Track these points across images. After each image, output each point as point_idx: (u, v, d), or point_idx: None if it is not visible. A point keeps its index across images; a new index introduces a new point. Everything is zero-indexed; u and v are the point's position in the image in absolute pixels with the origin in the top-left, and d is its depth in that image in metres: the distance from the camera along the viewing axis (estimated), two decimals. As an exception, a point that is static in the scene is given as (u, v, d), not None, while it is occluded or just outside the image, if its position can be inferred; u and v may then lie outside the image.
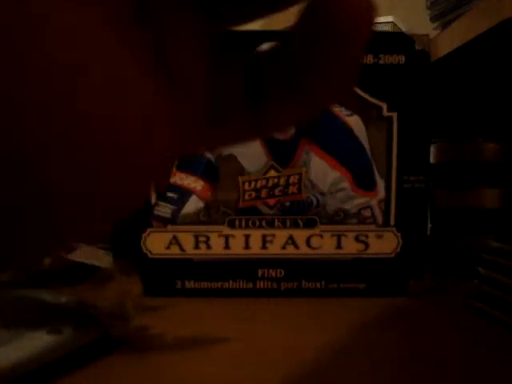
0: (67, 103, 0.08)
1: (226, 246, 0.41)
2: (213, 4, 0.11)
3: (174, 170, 0.41)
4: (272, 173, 0.41)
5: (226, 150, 0.40)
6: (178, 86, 0.10)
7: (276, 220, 0.41)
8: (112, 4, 0.09)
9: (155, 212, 0.41)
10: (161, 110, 0.10)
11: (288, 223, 0.41)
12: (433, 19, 0.62)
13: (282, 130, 0.13)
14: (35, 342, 0.26)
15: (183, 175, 0.41)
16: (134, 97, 0.09)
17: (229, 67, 0.12)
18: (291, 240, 0.41)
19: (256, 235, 0.41)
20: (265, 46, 0.12)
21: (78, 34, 0.08)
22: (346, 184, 0.41)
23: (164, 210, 0.41)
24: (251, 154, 0.41)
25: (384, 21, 0.87)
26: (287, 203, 0.41)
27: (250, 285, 0.42)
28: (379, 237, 0.41)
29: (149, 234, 0.41)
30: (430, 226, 0.51)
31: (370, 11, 0.10)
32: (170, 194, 0.41)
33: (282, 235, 0.41)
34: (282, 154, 0.41)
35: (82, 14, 0.08)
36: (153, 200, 0.41)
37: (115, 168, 0.09)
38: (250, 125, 0.12)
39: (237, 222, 0.41)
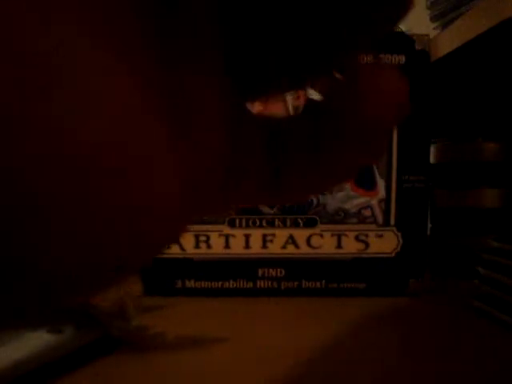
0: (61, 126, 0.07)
1: (227, 246, 0.41)
2: (241, 76, 0.10)
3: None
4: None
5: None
6: (192, 140, 0.09)
7: (276, 219, 0.41)
8: (130, 36, 0.08)
9: (155, 212, 0.41)
10: (171, 160, 0.09)
11: (288, 223, 0.41)
12: (433, 19, 0.62)
13: (301, 198, 0.12)
14: (35, 342, 0.26)
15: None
16: (139, 137, 0.08)
17: (250, 131, 0.11)
18: (291, 239, 0.41)
19: (256, 235, 0.41)
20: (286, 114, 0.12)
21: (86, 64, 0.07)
22: (346, 184, 0.41)
23: (164, 209, 0.41)
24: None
25: (384, 21, 0.87)
26: (287, 203, 0.41)
27: (251, 284, 0.42)
28: (379, 236, 0.41)
29: (149, 234, 0.41)
30: (430, 225, 0.51)
31: (402, 94, 0.10)
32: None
33: (282, 235, 0.41)
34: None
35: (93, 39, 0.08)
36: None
37: (112, 222, 0.08)
38: (268, 192, 0.11)
39: (237, 222, 0.41)
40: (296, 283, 0.42)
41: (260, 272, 0.42)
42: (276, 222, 0.41)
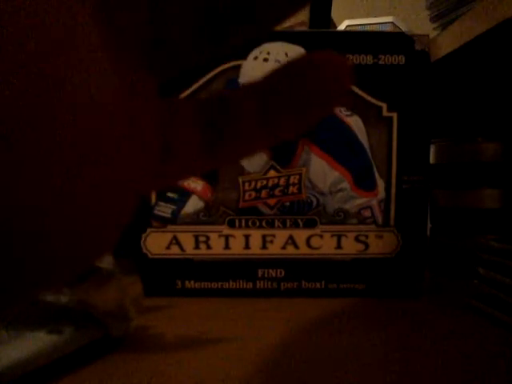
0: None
1: (226, 246, 0.41)
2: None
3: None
4: (272, 173, 0.41)
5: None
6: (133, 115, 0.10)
7: (276, 220, 0.41)
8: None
9: (155, 212, 0.41)
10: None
11: (288, 223, 0.41)
12: (433, 19, 0.62)
13: (237, 160, 0.14)
14: (35, 342, 0.26)
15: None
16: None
17: (181, 106, 0.12)
18: (291, 240, 0.41)
19: (256, 235, 0.41)
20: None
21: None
22: (345, 184, 0.41)
23: (164, 209, 0.41)
24: (251, 154, 0.40)
25: (384, 21, 0.87)
26: (287, 203, 0.41)
27: (250, 285, 0.42)
28: (379, 237, 0.41)
29: (149, 234, 0.41)
30: (430, 226, 0.51)
31: (346, 82, 0.11)
32: (169, 194, 0.41)
33: (282, 235, 0.41)
34: (281, 154, 0.41)
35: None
36: (153, 200, 0.41)
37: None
38: (204, 159, 0.12)
39: (237, 222, 0.41)
40: (296, 284, 0.42)
41: (260, 272, 0.42)
42: (276, 223, 0.41)
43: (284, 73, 0.12)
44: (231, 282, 0.42)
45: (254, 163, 0.41)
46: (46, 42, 0.08)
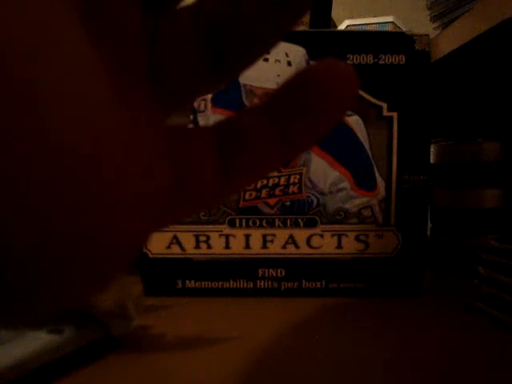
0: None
1: (227, 246, 0.41)
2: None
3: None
4: (272, 172, 0.41)
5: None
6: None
7: (276, 220, 0.41)
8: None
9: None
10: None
11: (288, 223, 0.41)
12: (433, 19, 0.62)
13: (253, 182, 0.13)
14: (36, 342, 0.26)
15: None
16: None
17: (192, 139, 0.12)
18: (292, 239, 0.41)
19: (256, 235, 0.41)
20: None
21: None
22: (346, 184, 0.41)
23: (164, 209, 0.41)
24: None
25: (384, 21, 0.87)
26: (288, 203, 0.41)
27: (251, 284, 0.42)
28: (379, 236, 0.41)
29: (149, 234, 0.41)
30: (430, 225, 0.51)
31: (352, 87, 0.11)
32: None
33: (282, 235, 0.41)
34: (282, 154, 0.41)
35: None
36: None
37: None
38: (220, 187, 0.12)
39: (237, 222, 0.41)
40: (296, 283, 0.42)
41: (260, 272, 0.42)
42: (276, 222, 0.41)
43: (291, 86, 0.12)
44: (232, 282, 0.42)
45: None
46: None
